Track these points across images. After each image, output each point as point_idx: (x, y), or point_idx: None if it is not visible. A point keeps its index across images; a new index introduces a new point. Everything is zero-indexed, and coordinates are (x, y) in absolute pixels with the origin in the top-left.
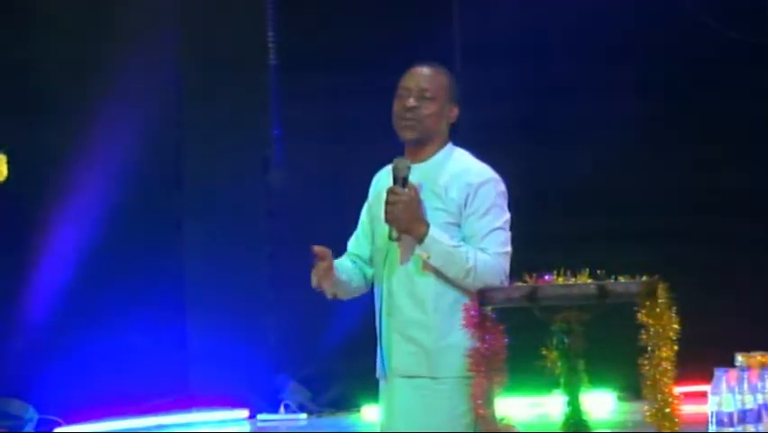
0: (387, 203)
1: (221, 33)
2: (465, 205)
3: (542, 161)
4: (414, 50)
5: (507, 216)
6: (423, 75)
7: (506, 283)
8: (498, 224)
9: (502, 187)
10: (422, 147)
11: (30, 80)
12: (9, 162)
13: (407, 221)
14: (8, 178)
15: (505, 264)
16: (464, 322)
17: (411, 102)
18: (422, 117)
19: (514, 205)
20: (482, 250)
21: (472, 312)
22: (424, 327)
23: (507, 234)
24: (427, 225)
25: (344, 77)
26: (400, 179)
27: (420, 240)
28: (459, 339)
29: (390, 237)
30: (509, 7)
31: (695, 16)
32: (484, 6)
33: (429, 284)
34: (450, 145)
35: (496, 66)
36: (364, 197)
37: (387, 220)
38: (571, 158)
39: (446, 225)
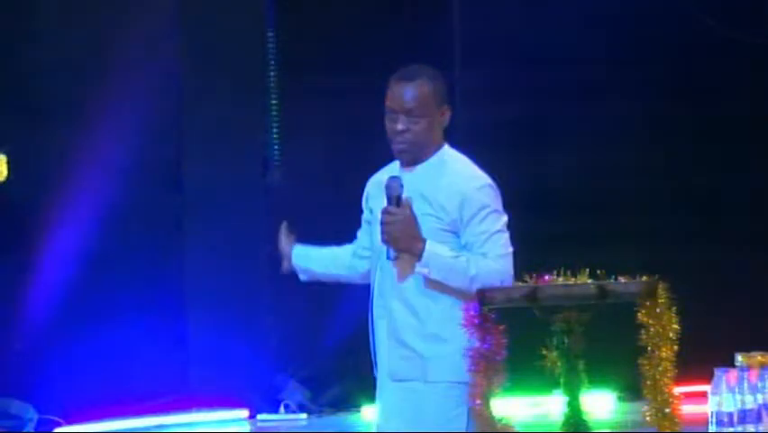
0: (382, 223)
1: (221, 34)
2: (460, 213)
3: (542, 161)
4: (414, 51)
5: (505, 218)
6: (406, 94)
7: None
8: (498, 227)
9: (495, 190)
10: (417, 158)
11: (30, 81)
12: (9, 162)
13: (404, 240)
14: (8, 178)
15: (508, 266)
16: (464, 322)
17: (400, 126)
18: (413, 139)
19: (514, 205)
20: (483, 255)
21: (472, 312)
22: (417, 333)
23: (506, 236)
24: (424, 241)
25: (344, 77)
26: (394, 198)
27: (419, 257)
28: (453, 345)
29: (388, 257)
30: (509, 7)
31: (695, 16)
32: (484, 6)
33: (420, 291)
34: (443, 148)
35: (496, 66)
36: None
37: (383, 240)
38: (571, 158)
39: (437, 230)
